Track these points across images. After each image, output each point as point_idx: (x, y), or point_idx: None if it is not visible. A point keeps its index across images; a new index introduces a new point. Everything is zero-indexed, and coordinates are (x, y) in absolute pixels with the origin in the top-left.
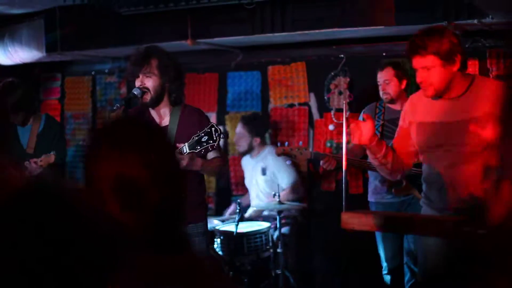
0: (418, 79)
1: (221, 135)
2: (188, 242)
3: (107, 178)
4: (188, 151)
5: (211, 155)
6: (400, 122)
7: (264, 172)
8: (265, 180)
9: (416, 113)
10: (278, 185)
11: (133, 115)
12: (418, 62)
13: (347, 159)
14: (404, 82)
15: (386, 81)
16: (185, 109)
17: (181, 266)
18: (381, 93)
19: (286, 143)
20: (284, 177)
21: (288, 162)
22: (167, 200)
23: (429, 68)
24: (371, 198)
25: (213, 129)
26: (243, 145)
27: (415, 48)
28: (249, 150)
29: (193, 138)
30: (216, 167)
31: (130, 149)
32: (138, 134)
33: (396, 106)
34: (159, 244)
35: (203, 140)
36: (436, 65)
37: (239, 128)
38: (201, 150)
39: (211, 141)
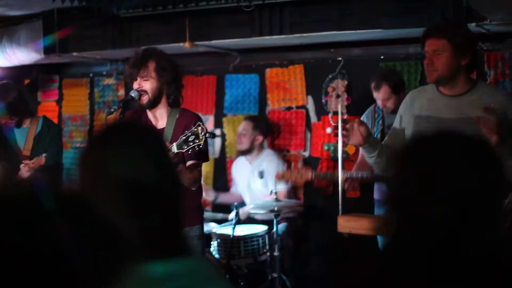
0: (425, 61)
1: (207, 135)
2: (189, 245)
3: (114, 183)
4: (176, 150)
5: (189, 163)
6: (395, 121)
7: (261, 175)
8: (262, 183)
9: (414, 107)
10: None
11: (131, 117)
12: (430, 44)
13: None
14: (403, 95)
15: (384, 100)
16: (183, 113)
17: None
18: (381, 106)
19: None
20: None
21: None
22: (174, 202)
23: (439, 52)
24: (377, 195)
25: (199, 128)
26: (245, 142)
27: (431, 31)
28: (249, 150)
29: (181, 138)
30: (193, 178)
31: (140, 151)
32: (147, 136)
33: (395, 112)
34: (161, 250)
35: (189, 139)
36: (447, 50)
37: (243, 125)
38: (188, 150)
39: (197, 141)
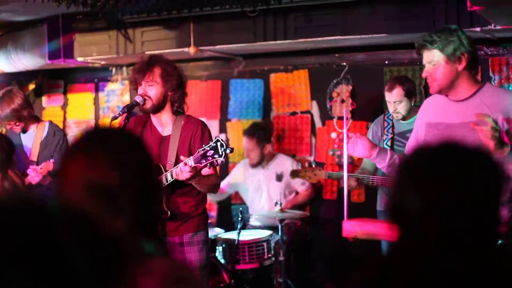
0: (423, 74)
1: (227, 151)
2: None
3: (79, 185)
4: (193, 164)
5: (205, 171)
6: (413, 130)
7: (279, 178)
8: (280, 186)
9: (426, 114)
10: (295, 190)
11: (135, 123)
12: (424, 56)
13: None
14: (414, 99)
15: (396, 102)
16: (188, 120)
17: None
18: (391, 110)
19: (299, 165)
20: (301, 181)
21: (303, 183)
22: (140, 194)
23: (434, 63)
24: (380, 206)
25: (218, 143)
26: (255, 157)
27: (423, 42)
28: (261, 161)
29: (198, 152)
30: (211, 185)
31: (97, 153)
32: (104, 137)
33: (405, 120)
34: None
35: (208, 154)
36: (440, 60)
37: (246, 143)
38: (206, 164)
39: (217, 155)
